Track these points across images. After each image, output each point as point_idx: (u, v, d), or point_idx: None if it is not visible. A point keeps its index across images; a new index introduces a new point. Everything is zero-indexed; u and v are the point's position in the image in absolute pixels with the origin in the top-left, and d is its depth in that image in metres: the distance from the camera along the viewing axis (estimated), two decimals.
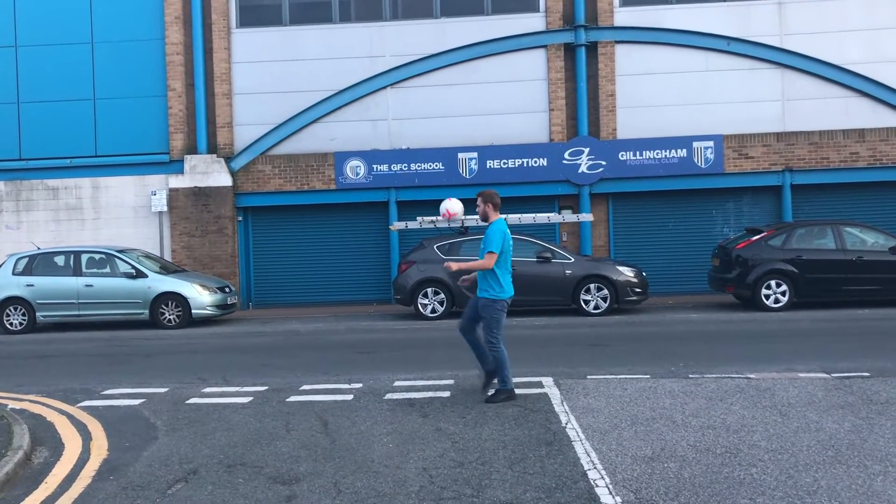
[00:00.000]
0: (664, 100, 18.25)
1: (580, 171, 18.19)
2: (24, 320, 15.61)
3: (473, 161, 18.36)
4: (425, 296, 15.22)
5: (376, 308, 17.97)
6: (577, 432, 6.33)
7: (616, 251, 18.53)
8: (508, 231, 7.53)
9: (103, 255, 16.00)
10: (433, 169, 18.43)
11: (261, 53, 19.00)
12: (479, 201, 7.75)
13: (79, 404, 8.14)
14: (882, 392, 7.43)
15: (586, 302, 14.92)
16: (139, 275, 15.55)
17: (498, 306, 7.48)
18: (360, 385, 8.56)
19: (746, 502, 4.73)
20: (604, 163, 18.12)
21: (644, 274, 15.50)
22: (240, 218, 19.10)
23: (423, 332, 13.38)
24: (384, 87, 18.72)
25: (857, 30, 18.01)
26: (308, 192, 18.77)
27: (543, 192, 18.42)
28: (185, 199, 18.73)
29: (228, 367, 10.35)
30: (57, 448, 6.51)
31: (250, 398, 8.13)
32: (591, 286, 14.92)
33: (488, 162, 18.33)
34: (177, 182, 18.77)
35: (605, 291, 14.88)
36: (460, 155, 18.40)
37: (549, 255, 15.17)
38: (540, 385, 8.15)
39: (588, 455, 5.72)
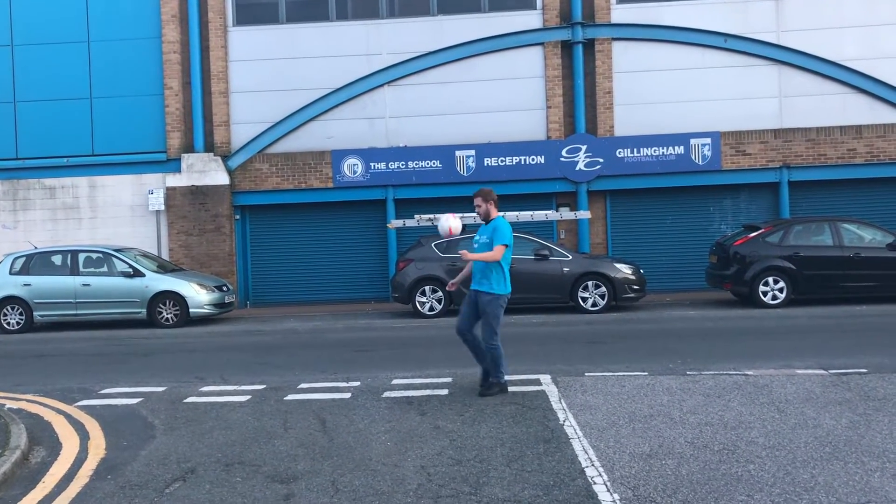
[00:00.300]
0: (661, 97, 18.24)
1: (578, 168, 18.19)
2: (22, 320, 15.59)
3: (471, 159, 18.35)
4: (423, 294, 15.22)
5: (374, 306, 17.96)
6: (574, 429, 6.34)
7: (614, 248, 18.54)
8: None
9: (100, 255, 15.98)
10: (431, 167, 18.42)
11: (257, 52, 18.97)
12: (479, 200, 7.75)
13: (76, 404, 8.13)
14: (879, 388, 7.44)
15: (584, 299, 14.93)
16: (136, 274, 15.53)
17: (501, 302, 7.59)
18: (358, 383, 8.56)
19: (744, 499, 4.73)
20: (601, 160, 18.12)
21: (642, 271, 15.51)
22: (237, 216, 19.09)
23: (421, 330, 13.38)
24: (381, 85, 18.70)
25: (854, 26, 18.01)
26: (305, 190, 18.75)
27: (541, 190, 18.41)
28: (183, 197, 18.71)
29: (226, 365, 10.34)
30: (54, 447, 6.50)
31: (248, 397, 8.13)
32: (589, 283, 14.93)
33: (486, 159, 18.33)
34: (174, 181, 18.75)
35: (603, 289, 14.89)
36: (458, 153, 18.39)
37: (546, 252, 15.17)
38: (538, 382, 8.15)
39: (586, 452, 5.73)
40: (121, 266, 15.70)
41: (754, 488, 4.89)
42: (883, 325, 12.11)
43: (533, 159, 18.30)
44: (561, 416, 6.79)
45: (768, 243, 14.86)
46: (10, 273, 15.73)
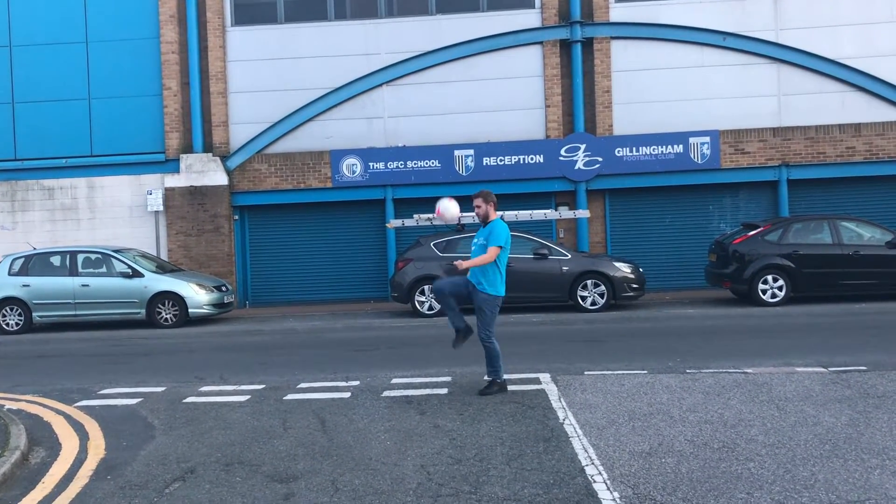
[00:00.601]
0: (660, 96, 18.25)
1: (577, 167, 18.19)
2: (21, 321, 15.58)
3: (470, 158, 18.35)
4: (422, 293, 15.22)
5: (373, 306, 17.96)
6: (574, 428, 6.33)
7: (613, 247, 18.54)
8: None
9: (99, 255, 15.97)
10: (429, 166, 18.42)
11: (256, 52, 18.96)
12: (479, 201, 7.71)
13: (76, 404, 8.13)
14: (879, 386, 7.44)
15: (583, 298, 14.93)
16: (136, 274, 15.52)
17: (497, 302, 7.63)
18: (357, 383, 8.55)
19: (744, 496, 4.73)
20: (600, 159, 18.12)
21: (641, 270, 15.51)
22: (236, 217, 19.08)
23: (421, 330, 13.38)
24: (380, 85, 18.69)
25: (852, 24, 18.02)
26: (304, 190, 18.75)
27: (540, 189, 18.41)
28: (182, 198, 18.70)
29: (225, 365, 10.33)
30: (54, 448, 6.49)
31: (247, 397, 8.12)
32: (589, 282, 14.93)
33: (485, 159, 18.33)
34: (173, 181, 18.74)
35: (603, 288, 14.89)
36: (457, 152, 18.38)
37: (546, 251, 15.17)
38: (537, 381, 8.15)
39: (586, 451, 5.72)
40: (120, 267, 15.69)
41: (754, 486, 4.89)
42: (882, 322, 12.11)
43: (532, 158, 18.30)
44: (561, 414, 6.79)
45: (767, 242, 14.87)
46: (9, 274, 15.73)
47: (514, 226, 15.39)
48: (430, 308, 15.15)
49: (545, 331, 12.65)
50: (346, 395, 7.99)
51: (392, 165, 18.50)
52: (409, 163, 18.47)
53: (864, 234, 14.95)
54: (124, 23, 19.01)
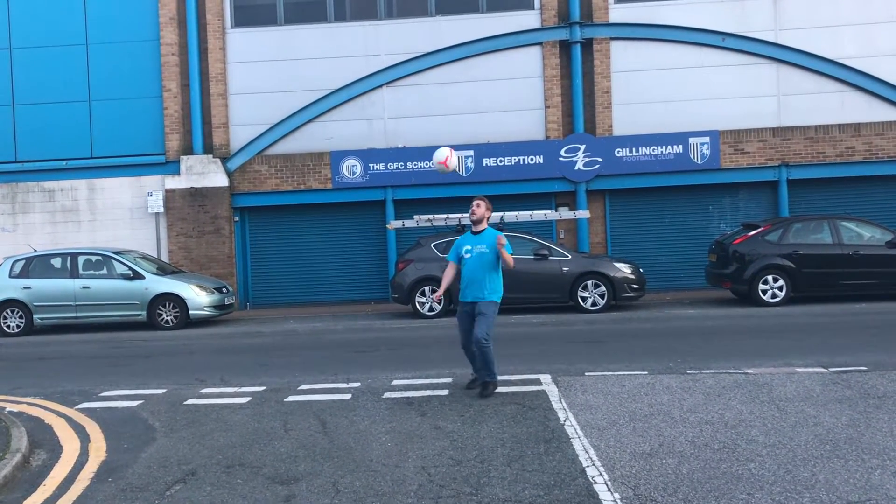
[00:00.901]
0: (660, 96, 18.25)
1: (576, 168, 18.20)
2: (22, 323, 15.59)
3: (470, 159, 18.35)
4: (423, 294, 15.23)
5: (374, 307, 17.96)
6: (575, 429, 6.34)
7: (613, 248, 18.55)
8: None
9: (100, 257, 15.98)
10: (430, 167, 18.39)
11: (256, 53, 18.97)
12: (483, 206, 7.81)
13: (77, 406, 8.13)
14: (879, 386, 7.44)
15: (584, 299, 14.93)
16: (136, 276, 15.53)
17: (499, 304, 7.77)
18: (358, 384, 8.56)
19: (745, 497, 4.73)
20: (600, 159, 18.13)
21: (641, 270, 15.51)
22: (236, 218, 19.09)
23: (421, 331, 13.38)
24: (380, 86, 18.70)
25: (852, 24, 18.02)
26: (305, 191, 18.76)
27: (540, 190, 18.42)
28: (182, 199, 18.71)
29: (226, 367, 10.34)
30: (55, 450, 6.50)
31: (248, 398, 8.12)
32: (589, 283, 14.93)
33: (485, 160, 18.33)
34: (173, 183, 18.75)
35: (603, 288, 14.90)
36: (457, 153, 18.34)
37: (546, 252, 15.18)
38: (538, 382, 8.15)
39: (586, 452, 5.73)
40: (120, 268, 15.70)
41: (755, 486, 4.89)
42: (882, 322, 12.10)
43: (532, 159, 18.31)
44: (561, 415, 6.79)
45: (767, 242, 14.87)
46: (10, 276, 15.74)
47: (514, 226, 15.55)
48: (431, 309, 15.16)
49: (546, 331, 12.65)
50: (347, 396, 7.99)
51: (392, 166, 18.51)
52: (409, 164, 18.47)
53: (864, 234, 14.95)
54: (124, 25, 19.03)
